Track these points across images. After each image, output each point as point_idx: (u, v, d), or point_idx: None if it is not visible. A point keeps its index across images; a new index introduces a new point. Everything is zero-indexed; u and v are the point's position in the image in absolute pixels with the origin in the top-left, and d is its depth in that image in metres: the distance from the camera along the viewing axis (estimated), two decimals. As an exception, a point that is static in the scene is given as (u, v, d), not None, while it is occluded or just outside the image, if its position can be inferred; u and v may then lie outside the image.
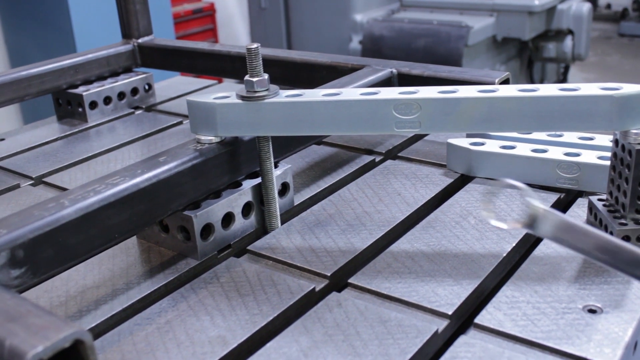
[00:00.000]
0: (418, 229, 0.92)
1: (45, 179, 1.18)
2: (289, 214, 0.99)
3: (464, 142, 1.07)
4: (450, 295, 0.77)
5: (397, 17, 4.45)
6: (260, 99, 0.88)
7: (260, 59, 0.88)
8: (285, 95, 0.89)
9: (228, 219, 0.91)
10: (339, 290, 0.81)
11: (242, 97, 0.88)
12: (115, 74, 1.55)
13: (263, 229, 0.96)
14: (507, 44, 4.53)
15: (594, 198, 0.89)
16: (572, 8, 4.57)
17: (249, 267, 0.85)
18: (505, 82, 1.14)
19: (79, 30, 3.24)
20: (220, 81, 1.89)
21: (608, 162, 0.91)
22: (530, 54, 4.75)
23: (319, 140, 1.22)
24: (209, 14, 4.71)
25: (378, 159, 1.18)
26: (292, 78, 1.36)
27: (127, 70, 1.58)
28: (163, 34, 1.97)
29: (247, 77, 0.88)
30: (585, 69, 6.15)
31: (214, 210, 0.88)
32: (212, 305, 0.78)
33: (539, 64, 4.96)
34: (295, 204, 1.02)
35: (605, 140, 1.03)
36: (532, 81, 4.84)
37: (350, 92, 0.90)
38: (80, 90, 1.46)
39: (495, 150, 1.04)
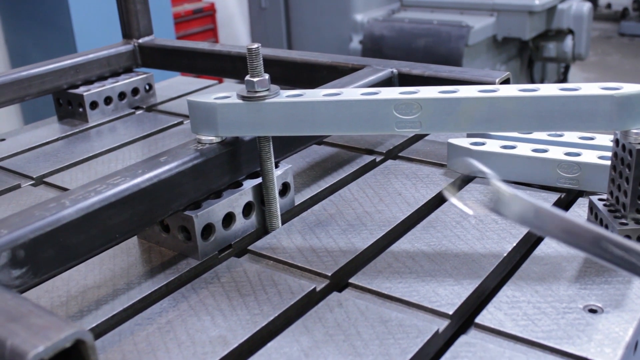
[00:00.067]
0: (419, 228, 0.92)
1: (46, 179, 1.18)
2: (289, 214, 0.99)
3: (464, 142, 1.07)
4: (450, 295, 0.77)
5: (398, 17, 4.45)
6: (261, 99, 0.88)
7: (261, 59, 0.88)
8: (286, 95, 0.89)
9: (229, 219, 0.91)
10: (340, 290, 0.81)
11: (243, 97, 0.88)
12: (115, 74, 1.55)
13: (264, 229, 0.96)
14: (508, 44, 4.53)
15: (594, 198, 0.89)
16: (573, 8, 4.57)
17: (249, 267, 0.85)
18: (506, 82, 1.15)
19: (79, 30, 3.24)
20: (220, 81, 1.89)
21: (608, 162, 0.91)
22: (531, 53, 4.75)
23: (319, 140, 1.22)
24: (209, 14, 4.71)
25: (379, 158, 1.18)
26: (292, 78, 1.36)
27: (128, 70, 1.58)
28: (163, 34, 1.97)
29: (247, 77, 0.88)
30: (585, 68, 6.15)
31: (214, 210, 0.88)
32: (213, 305, 0.78)
33: (539, 63, 4.97)
34: (295, 204, 1.02)
35: (605, 140, 1.03)
36: (532, 81, 4.84)
37: (351, 92, 0.90)
38: (80, 90, 1.46)
39: (496, 150, 1.04)
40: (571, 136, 1.06)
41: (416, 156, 1.16)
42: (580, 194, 1.01)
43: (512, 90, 0.84)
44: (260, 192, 0.94)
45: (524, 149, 1.03)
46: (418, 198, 1.01)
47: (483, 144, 1.06)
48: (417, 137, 1.25)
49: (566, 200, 1.01)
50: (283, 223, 0.95)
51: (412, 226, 0.93)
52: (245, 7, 5.14)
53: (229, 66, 1.47)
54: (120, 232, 0.80)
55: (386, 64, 1.24)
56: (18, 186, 1.16)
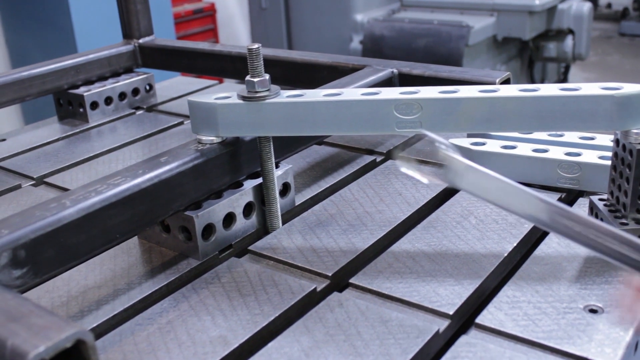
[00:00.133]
0: (419, 228, 0.92)
1: (46, 179, 1.18)
2: (290, 214, 0.99)
3: (464, 142, 1.07)
4: (451, 295, 0.77)
5: (398, 17, 4.44)
6: (261, 99, 0.88)
7: (262, 59, 0.88)
8: (286, 95, 0.89)
9: (229, 219, 0.91)
10: (340, 290, 0.81)
11: (243, 98, 0.88)
12: (116, 74, 1.55)
13: (264, 229, 0.96)
14: (508, 44, 4.53)
15: (594, 198, 0.89)
16: (573, 8, 4.57)
17: (250, 267, 0.85)
18: (506, 82, 1.15)
19: (79, 30, 3.24)
20: (221, 81, 1.89)
21: (609, 162, 0.91)
22: (531, 53, 4.75)
23: (320, 140, 1.22)
24: (210, 14, 4.71)
25: (379, 159, 1.18)
26: (292, 78, 1.36)
27: (128, 70, 1.58)
28: (164, 34, 1.97)
29: (248, 78, 0.88)
30: (585, 68, 6.14)
31: (215, 211, 0.88)
32: (214, 305, 0.78)
33: (539, 63, 4.96)
34: (296, 204, 1.02)
35: (606, 140, 1.03)
36: (532, 81, 4.84)
37: (351, 92, 0.90)
38: (81, 90, 1.46)
39: (496, 150, 1.04)
40: (571, 136, 1.06)
41: (417, 156, 1.16)
42: (581, 194, 1.01)
43: (512, 90, 0.84)
44: (261, 192, 0.94)
45: (524, 149, 1.03)
46: (418, 198, 1.01)
47: (483, 144, 1.06)
48: (418, 137, 1.25)
49: (566, 200, 1.01)
50: (283, 223, 0.96)
51: (413, 226, 0.93)
52: (245, 7, 5.14)
53: (229, 66, 1.47)
54: (121, 232, 0.80)
55: (386, 64, 1.24)
56: (19, 186, 1.16)
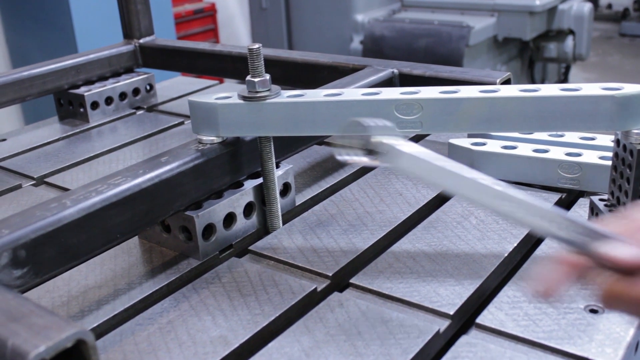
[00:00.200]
0: (419, 229, 0.92)
1: (46, 179, 1.18)
2: (290, 214, 0.99)
3: (465, 142, 1.07)
4: (451, 295, 0.77)
5: (398, 17, 4.44)
6: (261, 99, 0.88)
7: (262, 59, 0.88)
8: (287, 95, 0.89)
9: (230, 219, 0.91)
10: (341, 291, 0.81)
11: (244, 98, 0.88)
12: (116, 74, 1.55)
13: (264, 229, 0.96)
14: (508, 44, 4.53)
15: (595, 198, 0.89)
16: (573, 8, 4.56)
17: (250, 267, 0.85)
18: (507, 82, 1.14)
19: (80, 30, 3.23)
20: (221, 81, 1.89)
21: (609, 162, 0.91)
22: (531, 54, 4.75)
23: (320, 140, 1.22)
24: (210, 14, 4.71)
25: (379, 159, 1.18)
26: (293, 78, 1.36)
27: (129, 70, 1.58)
28: (164, 34, 1.97)
29: (248, 78, 0.88)
30: (586, 69, 6.14)
31: (215, 211, 0.88)
32: (214, 305, 0.78)
33: (540, 64, 4.96)
34: (296, 204, 1.02)
35: (606, 140, 1.03)
36: (533, 81, 4.84)
37: (352, 92, 0.90)
38: (81, 90, 1.46)
39: (497, 150, 1.04)
40: (572, 136, 1.06)
41: (417, 156, 1.16)
42: (581, 194, 1.01)
43: (513, 90, 0.84)
44: (261, 192, 0.94)
45: (524, 149, 1.03)
46: (419, 198, 1.01)
47: (484, 144, 1.06)
48: (418, 138, 1.25)
49: (567, 201, 1.00)
50: (284, 223, 0.95)
51: (413, 226, 0.93)
52: (246, 7, 5.14)
53: (229, 66, 1.47)
54: (121, 232, 0.80)
55: (387, 64, 1.24)
56: (19, 186, 1.16)
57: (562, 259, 0.55)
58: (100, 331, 0.75)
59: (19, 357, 0.49)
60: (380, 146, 0.66)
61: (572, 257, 0.55)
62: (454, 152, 1.08)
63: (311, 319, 0.74)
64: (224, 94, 0.91)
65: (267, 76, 0.88)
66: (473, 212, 0.95)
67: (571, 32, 4.63)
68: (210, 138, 0.91)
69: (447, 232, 0.91)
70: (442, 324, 0.73)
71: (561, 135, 1.06)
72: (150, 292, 0.82)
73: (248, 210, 0.94)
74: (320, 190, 1.06)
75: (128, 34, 1.58)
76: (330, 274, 0.83)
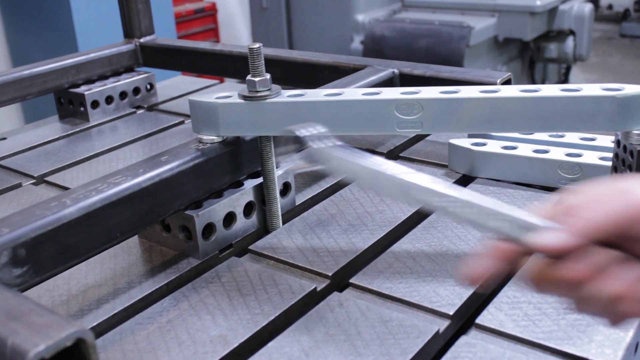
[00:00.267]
0: (419, 229, 0.92)
1: (47, 178, 1.18)
2: (290, 214, 0.99)
3: (465, 142, 1.07)
4: (451, 296, 0.77)
5: (399, 17, 4.44)
6: (262, 99, 0.88)
7: (263, 58, 0.88)
8: (287, 95, 0.89)
9: (229, 218, 0.91)
10: (341, 290, 0.81)
11: (244, 97, 0.88)
12: (117, 73, 1.55)
13: (264, 228, 0.96)
14: (509, 45, 4.53)
15: (595, 199, 0.89)
16: (574, 8, 4.56)
17: (250, 267, 0.85)
18: (507, 82, 1.14)
19: (80, 29, 3.23)
20: (221, 81, 1.89)
21: (609, 163, 0.91)
22: (532, 54, 4.75)
23: (320, 140, 1.22)
24: (211, 13, 4.71)
25: (379, 159, 1.18)
26: (293, 78, 1.36)
27: (129, 69, 1.58)
28: (165, 34, 1.97)
29: (249, 77, 0.88)
30: (586, 69, 6.14)
31: (215, 210, 0.88)
32: (214, 304, 0.78)
33: (540, 64, 4.96)
34: (296, 204, 1.02)
35: (606, 140, 1.03)
36: (533, 82, 4.84)
37: (352, 92, 0.90)
38: (82, 89, 1.46)
39: (497, 150, 1.04)
40: (572, 137, 1.06)
41: (417, 156, 1.16)
42: (581, 194, 1.01)
43: (513, 90, 0.84)
44: (261, 192, 0.94)
45: (525, 150, 1.03)
46: (419, 198, 1.01)
47: (484, 144, 1.06)
48: (418, 138, 1.25)
49: (567, 201, 1.00)
50: (284, 223, 0.95)
51: (413, 226, 0.93)
52: (246, 7, 5.14)
53: (230, 66, 1.47)
54: (121, 232, 0.80)
55: (387, 64, 1.24)
56: (19, 185, 1.16)
57: (493, 247, 0.56)
58: (100, 330, 0.75)
59: (18, 356, 0.49)
60: (313, 150, 0.68)
61: (503, 244, 0.56)
62: (454, 152, 1.08)
63: (311, 318, 0.74)
64: (225, 93, 0.91)
65: (268, 76, 0.88)
66: (473, 213, 0.95)
67: (572, 32, 4.63)
68: (210, 137, 0.91)
69: (447, 232, 0.91)
70: (442, 324, 0.73)
71: (561, 136, 1.06)
72: (150, 291, 0.82)
73: (248, 209, 0.94)
74: (320, 190, 1.06)
75: (128, 33, 1.58)
76: (330, 274, 0.83)
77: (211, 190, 0.90)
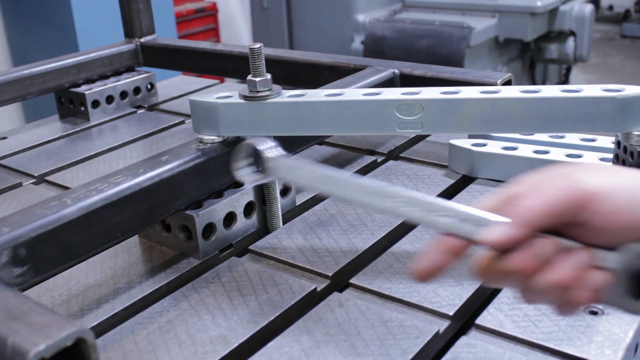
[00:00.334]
0: (419, 229, 0.92)
1: (47, 178, 1.18)
2: (290, 214, 0.99)
3: (466, 143, 1.07)
4: (451, 296, 0.77)
5: (399, 18, 4.44)
6: (262, 99, 0.88)
7: (263, 58, 0.88)
8: (288, 95, 0.89)
9: (230, 218, 0.91)
10: (341, 291, 0.81)
11: (245, 97, 0.89)
12: (117, 73, 1.55)
13: (265, 228, 0.96)
14: (509, 45, 4.53)
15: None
16: (575, 9, 4.56)
17: (250, 267, 0.85)
18: (508, 83, 1.14)
19: (81, 29, 3.23)
20: (222, 81, 1.89)
21: (610, 164, 0.91)
22: (532, 55, 4.75)
23: (321, 140, 1.22)
24: (211, 13, 4.71)
25: (380, 159, 1.18)
26: (294, 78, 1.36)
27: (130, 69, 1.58)
28: (165, 34, 1.97)
29: (249, 77, 0.88)
30: (587, 70, 6.14)
31: (215, 210, 0.88)
32: (214, 304, 0.78)
33: (541, 65, 4.96)
34: (297, 204, 1.02)
35: (607, 141, 1.03)
36: (534, 82, 4.84)
37: (353, 92, 0.90)
38: (82, 89, 1.46)
39: (497, 151, 1.04)
40: (572, 138, 1.06)
41: (417, 157, 1.16)
42: (582, 195, 1.01)
43: (514, 91, 0.84)
44: (262, 192, 0.94)
45: (525, 151, 1.03)
46: (419, 199, 1.01)
47: (484, 145, 1.06)
48: (419, 138, 1.25)
49: (567, 202, 1.00)
50: (284, 223, 0.96)
51: (413, 226, 0.93)
52: (247, 7, 5.14)
53: (230, 66, 1.47)
54: (122, 231, 0.80)
55: (388, 65, 1.24)
56: (19, 184, 1.16)
57: (440, 241, 0.56)
58: (100, 330, 0.75)
59: (19, 355, 0.49)
60: (264, 161, 0.72)
61: (450, 239, 0.57)
62: (455, 153, 1.08)
63: (311, 318, 0.74)
64: (225, 93, 0.91)
65: (268, 76, 0.88)
66: (473, 213, 0.95)
67: (572, 33, 4.63)
68: (211, 137, 0.91)
69: (447, 233, 0.90)
70: (442, 325, 0.73)
71: (562, 137, 1.06)
72: (150, 291, 0.82)
73: (248, 209, 0.94)
74: (320, 190, 1.06)
75: (129, 33, 1.58)
76: (330, 274, 0.83)
77: (211, 190, 0.90)
